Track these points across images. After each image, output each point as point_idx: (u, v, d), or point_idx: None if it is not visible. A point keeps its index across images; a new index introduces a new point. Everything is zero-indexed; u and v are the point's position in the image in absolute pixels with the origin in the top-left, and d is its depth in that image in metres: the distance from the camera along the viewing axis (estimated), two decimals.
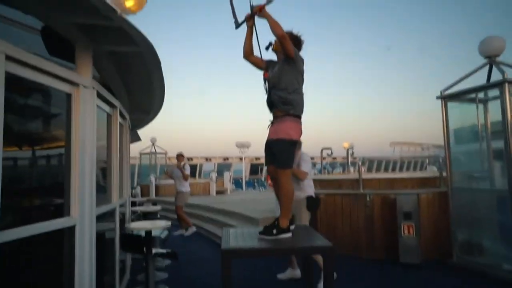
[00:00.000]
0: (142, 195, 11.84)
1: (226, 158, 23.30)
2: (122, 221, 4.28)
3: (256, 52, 3.07)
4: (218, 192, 13.24)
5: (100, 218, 3.07)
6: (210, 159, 22.44)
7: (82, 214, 2.55)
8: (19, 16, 2.54)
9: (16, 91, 2.19)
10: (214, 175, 13.73)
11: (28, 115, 2.57)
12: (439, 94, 4.90)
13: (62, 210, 2.52)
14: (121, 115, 4.00)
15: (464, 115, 4.92)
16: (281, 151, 2.91)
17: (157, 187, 12.53)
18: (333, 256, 2.82)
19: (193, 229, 7.55)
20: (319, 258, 3.51)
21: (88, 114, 2.65)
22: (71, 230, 2.51)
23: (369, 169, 20.74)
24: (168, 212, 9.30)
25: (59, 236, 2.50)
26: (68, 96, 2.52)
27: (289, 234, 2.93)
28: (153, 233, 3.92)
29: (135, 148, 16.24)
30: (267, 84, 2.98)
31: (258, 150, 20.37)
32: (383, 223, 4.97)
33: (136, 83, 4.08)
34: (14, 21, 2.84)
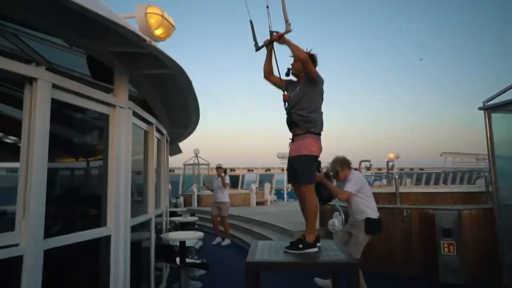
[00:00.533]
0: (185, 205, 12.27)
1: (268, 169, 23.38)
2: (160, 230, 4.51)
3: (275, 72, 3.18)
4: (258, 203, 13.33)
5: (137, 227, 3.29)
6: (252, 170, 22.64)
7: (117, 224, 2.76)
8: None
9: (61, 112, 2.46)
10: (254, 186, 13.86)
11: (72, 131, 2.86)
12: (481, 105, 4.65)
13: (100, 220, 2.76)
14: (158, 130, 4.26)
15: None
16: (304, 167, 2.98)
17: (199, 197, 12.90)
18: (357, 272, 2.80)
19: (228, 242, 7.71)
20: None
21: (124, 132, 2.88)
22: (107, 239, 2.73)
23: (418, 181, 19.71)
24: (207, 222, 9.53)
25: (97, 245, 2.72)
26: (106, 116, 2.77)
27: (315, 249, 2.95)
28: (187, 244, 4.11)
29: (179, 160, 16.90)
30: (287, 104, 3.07)
31: None
32: (422, 239, 4.76)
33: (172, 101, 4.33)
34: (63, 46, 3.20)
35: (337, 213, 5.58)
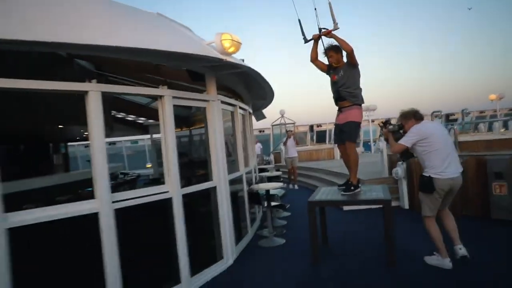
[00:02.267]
0: (275, 162, 13.83)
1: None
2: (251, 183, 5.94)
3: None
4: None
5: (233, 181, 4.70)
6: None
7: (219, 179, 4.18)
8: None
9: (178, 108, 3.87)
10: None
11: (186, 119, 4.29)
12: None
13: (208, 177, 4.20)
14: (242, 108, 5.56)
15: None
16: (351, 130, 4.00)
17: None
18: (390, 207, 3.77)
19: (296, 187, 10.19)
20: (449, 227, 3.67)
21: (216, 116, 4.21)
22: (214, 190, 4.17)
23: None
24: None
25: (209, 194, 4.18)
26: (204, 108, 4.12)
27: (358, 189, 4.03)
28: (272, 192, 5.45)
29: (267, 122, 18.47)
30: (335, 85, 4.01)
31: (385, 113, 20.12)
32: (478, 182, 5.27)
33: (249, 84, 5.55)
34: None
35: (400, 162, 6.32)
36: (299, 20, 4.11)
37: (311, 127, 21.84)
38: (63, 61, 3.73)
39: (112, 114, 9.64)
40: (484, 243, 4.24)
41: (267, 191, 5.19)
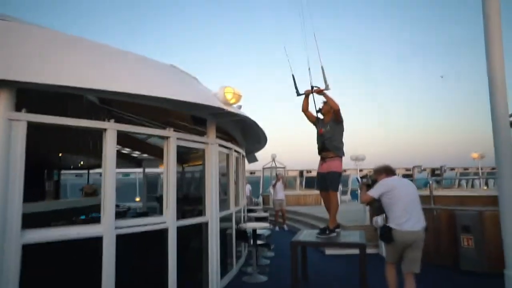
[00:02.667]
0: (263, 204, 14.13)
1: (344, 170, 24.05)
2: (239, 221, 6.27)
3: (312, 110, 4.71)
4: None
5: (223, 218, 5.05)
6: None
7: (211, 215, 4.55)
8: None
9: (180, 148, 4.32)
10: None
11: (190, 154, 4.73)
12: None
13: (201, 212, 4.57)
14: (236, 151, 6.04)
15: None
16: (334, 179, 4.46)
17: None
18: (364, 251, 4.15)
19: (286, 228, 10.60)
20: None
21: (213, 157, 4.66)
22: (206, 224, 4.53)
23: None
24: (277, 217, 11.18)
25: (201, 228, 4.52)
26: (203, 150, 4.59)
27: (334, 234, 4.41)
28: (258, 231, 5.79)
29: (258, 164, 18.94)
30: (322, 137, 4.53)
31: (373, 163, 20.85)
32: (449, 235, 5.70)
33: (245, 129, 6.08)
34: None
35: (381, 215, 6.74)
36: (292, 75, 4.72)
37: (301, 172, 22.34)
38: (81, 99, 4.25)
39: None
40: None
41: (254, 230, 5.53)
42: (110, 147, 3.35)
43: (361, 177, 4.50)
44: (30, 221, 5.23)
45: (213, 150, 4.65)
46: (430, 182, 6.38)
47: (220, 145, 4.97)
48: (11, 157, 2.78)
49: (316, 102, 4.72)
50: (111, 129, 3.37)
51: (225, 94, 4.12)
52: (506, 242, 2.74)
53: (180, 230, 3.99)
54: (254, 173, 19.15)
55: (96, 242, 3.21)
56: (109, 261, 3.23)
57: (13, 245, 2.73)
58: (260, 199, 14.33)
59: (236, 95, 4.20)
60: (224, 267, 5.09)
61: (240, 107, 4.90)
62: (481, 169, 21.06)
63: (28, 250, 2.81)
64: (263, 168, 17.79)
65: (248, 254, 6.68)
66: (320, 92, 4.49)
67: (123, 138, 8.98)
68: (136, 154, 12.97)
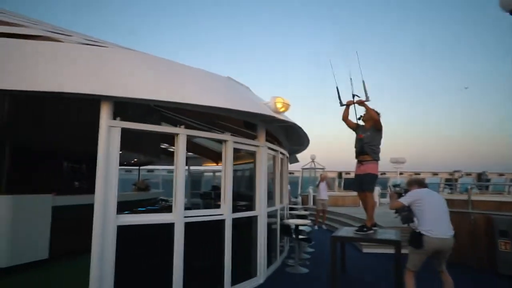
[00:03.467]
0: (302, 203, 14.56)
1: (383, 173, 23.92)
2: (283, 217, 6.81)
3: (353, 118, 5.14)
4: None
5: (270, 214, 5.62)
6: None
7: (260, 210, 5.13)
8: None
9: (237, 150, 4.93)
10: None
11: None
12: None
13: (251, 206, 5.17)
14: (281, 153, 6.59)
15: None
16: (369, 181, 4.88)
17: (314, 197, 15.01)
18: (399, 247, 4.54)
19: (325, 227, 10.91)
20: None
21: (263, 158, 5.24)
22: (256, 218, 5.12)
23: None
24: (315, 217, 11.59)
25: (251, 221, 5.12)
26: (254, 152, 5.18)
27: (371, 231, 4.83)
28: (300, 227, 6.30)
29: (298, 165, 19.38)
30: (361, 141, 4.95)
31: (413, 166, 20.64)
32: (486, 238, 5.89)
33: (290, 134, 6.62)
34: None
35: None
36: (337, 87, 5.17)
37: (340, 173, 22.49)
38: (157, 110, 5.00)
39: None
40: None
41: (297, 225, 6.06)
42: (181, 149, 4.03)
43: (393, 185, 4.83)
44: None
45: (263, 152, 5.23)
46: (469, 187, 6.55)
47: (269, 148, 5.54)
48: (110, 156, 3.52)
49: (357, 110, 5.16)
50: (182, 134, 4.05)
51: (276, 103, 4.68)
52: None
53: (234, 222, 4.61)
54: (293, 173, 19.62)
55: (169, 227, 3.90)
56: (179, 243, 3.91)
57: (111, 225, 3.46)
58: (299, 199, 14.76)
59: (286, 104, 4.76)
60: (269, 259, 5.65)
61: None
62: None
63: (121, 230, 3.54)
64: (302, 169, 18.22)
65: (290, 249, 7.22)
66: (361, 103, 4.92)
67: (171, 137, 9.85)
68: None
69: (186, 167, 15.41)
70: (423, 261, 3.88)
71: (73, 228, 6.15)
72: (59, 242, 5.85)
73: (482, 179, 21.76)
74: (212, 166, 16.76)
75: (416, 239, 3.83)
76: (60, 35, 3.98)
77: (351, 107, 5.12)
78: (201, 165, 16.18)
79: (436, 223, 3.81)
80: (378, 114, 4.89)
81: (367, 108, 4.86)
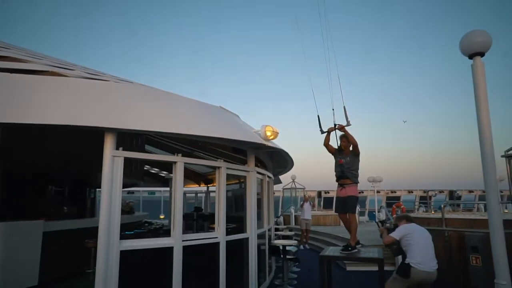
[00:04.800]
0: (284, 223, 14.81)
1: (361, 191, 24.57)
2: (270, 238, 7.07)
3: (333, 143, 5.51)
4: None
5: (259, 235, 5.87)
6: None
7: (251, 232, 5.39)
8: None
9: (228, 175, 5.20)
10: None
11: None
12: (503, 153, 6.16)
13: (242, 228, 5.41)
14: (268, 176, 6.91)
15: None
16: (352, 203, 5.25)
17: (295, 217, 15.32)
18: (382, 265, 4.88)
19: (307, 246, 11.16)
20: None
21: (253, 182, 5.53)
22: (247, 240, 5.36)
23: None
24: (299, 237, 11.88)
25: (242, 243, 5.35)
26: (245, 176, 5.48)
27: (355, 250, 5.16)
28: (287, 248, 6.57)
29: (279, 185, 19.75)
30: (341, 166, 5.34)
31: (388, 184, 21.42)
32: (459, 254, 6.36)
33: (276, 159, 6.97)
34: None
35: None
36: (318, 116, 5.55)
37: (319, 193, 22.99)
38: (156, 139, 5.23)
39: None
40: None
41: (284, 246, 6.33)
42: (179, 176, 4.28)
43: (381, 221, 5.16)
44: (84, 235, 6.18)
45: (253, 177, 5.53)
46: (442, 205, 7.05)
47: (258, 173, 5.85)
48: (114, 183, 3.73)
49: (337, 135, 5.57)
50: (179, 162, 4.30)
51: (266, 131, 5.03)
52: (495, 257, 3.46)
53: (227, 244, 4.84)
54: (274, 193, 19.92)
55: (168, 251, 4.10)
56: (177, 265, 4.10)
57: (114, 251, 3.64)
58: (281, 219, 15.00)
59: (275, 132, 5.11)
60: (259, 278, 5.87)
61: None
62: (501, 192, 21.27)
63: (123, 254, 3.72)
64: (283, 189, 18.54)
65: (277, 269, 7.44)
66: (342, 128, 5.32)
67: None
68: (164, 173, 14.05)
69: (167, 188, 15.45)
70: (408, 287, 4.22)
71: (62, 254, 6.19)
72: (49, 268, 5.86)
73: (453, 197, 22.77)
74: (194, 187, 16.85)
75: (404, 269, 4.15)
76: (64, 70, 4.21)
77: (332, 133, 5.51)
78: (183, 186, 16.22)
79: (424, 256, 4.12)
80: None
81: (347, 134, 5.25)
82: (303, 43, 5.52)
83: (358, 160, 5.32)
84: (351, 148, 5.35)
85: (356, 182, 5.28)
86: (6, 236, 5.29)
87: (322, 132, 5.47)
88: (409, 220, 4.71)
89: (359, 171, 5.34)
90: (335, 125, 5.40)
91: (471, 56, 3.68)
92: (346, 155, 5.36)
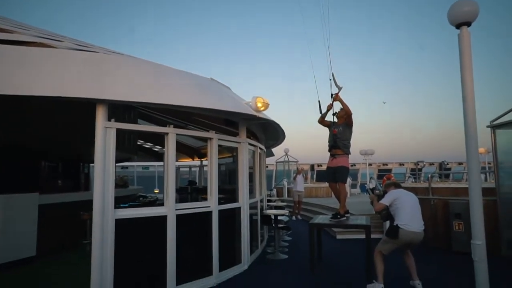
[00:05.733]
0: (277, 196, 15.10)
1: (353, 164, 24.93)
2: (262, 208, 7.26)
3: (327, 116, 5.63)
4: None
5: (251, 205, 6.04)
6: None
7: (243, 201, 5.54)
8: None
9: (220, 147, 5.29)
10: None
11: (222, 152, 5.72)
12: (488, 123, 6.29)
13: (235, 198, 5.56)
14: (260, 148, 7.01)
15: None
16: (342, 172, 5.39)
17: (288, 189, 15.62)
18: (369, 231, 5.09)
19: (300, 218, 11.47)
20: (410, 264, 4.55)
21: (245, 154, 5.63)
22: (239, 209, 5.51)
23: None
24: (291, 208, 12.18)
25: (235, 212, 5.51)
26: (236, 148, 5.56)
27: (344, 218, 5.36)
28: (279, 217, 6.77)
29: (271, 159, 19.94)
30: (334, 136, 5.45)
31: (380, 157, 21.72)
32: (443, 221, 6.62)
33: (268, 130, 7.04)
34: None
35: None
36: (319, 101, 5.65)
37: (312, 166, 23.29)
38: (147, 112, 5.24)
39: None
40: (445, 269, 5.52)
41: (276, 215, 6.52)
42: (171, 147, 4.35)
43: (371, 189, 5.26)
44: (80, 208, 6.29)
45: (244, 148, 5.63)
46: (429, 175, 7.25)
47: (250, 144, 5.94)
48: (107, 155, 3.80)
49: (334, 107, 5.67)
50: (171, 133, 4.36)
51: (256, 103, 5.08)
52: (472, 220, 3.62)
53: (220, 213, 4.98)
54: (267, 166, 20.15)
55: (162, 219, 4.23)
56: (171, 233, 4.25)
57: (109, 219, 3.76)
58: (274, 191, 15.29)
59: (265, 103, 5.16)
60: (251, 247, 6.08)
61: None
62: (489, 163, 21.77)
63: (118, 223, 3.84)
64: (276, 162, 18.76)
65: (269, 238, 7.69)
66: (336, 98, 5.39)
67: (148, 135, 10.00)
68: (157, 148, 14.11)
69: (161, 163, 15.58)
70: (393, 250, 4.44)
71: (58, 225, 6.33)
72: (45, 239, 6.01)
73: (442, 169, 23.26)
74: (187, 161, 16.96)
75: (393, 230, 4.36)
76: (52, 41, 4.16)
77: (329, 112, 5.60)
78: (176, 161, 16.37)
79: (411, 218, 4.34)
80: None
81: (342, 103, 5.33)
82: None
83: (351, 132, 5.44)
84: (345, 119, 5.46)
85: (347, 153, 5.42)
86: (3, 208, 5.40)
87: (322, 113, 5.58)
88: (397, 186, 4.86)
89: (350, 142, 5.47)
90: (331, 95, 5.47)
91: (458, 26, 3.71)
92: (339, 124, 5.47)
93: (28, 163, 8.44)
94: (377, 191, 5.02)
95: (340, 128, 5.45)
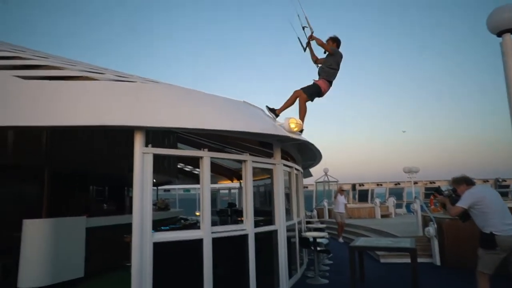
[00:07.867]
0: (318, 217, 14.75)
1: (397, 183, 23.89)
2: (301, 231, 7.11)
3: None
4: (383, 216, 14.75)
5: (288, 227, 5.93)
6: (381, 184, 23.56)
7: (279, 224, 5.46)
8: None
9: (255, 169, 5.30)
10: (378, 200, 15.39)
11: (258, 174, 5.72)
12: None
13: (271, 221, 5.50)
14: (296, 169, 6.94)
15: None
16: (310, 86, 5.69)
17: (329, 210, 15.20)
18: (415, 254, 4.79)
19: (341, 240, 10.83)
20: None
21: (280, 175, 5.59)
22: (276, 232, 5.43)
23: None
24: (333, 230, 11.82)
25: (271, 235, 5.43)
26: (271, 169, 5.55)
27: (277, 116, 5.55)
28: (318, 240, 6.58)
29: (311, 179, 19.65)
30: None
31: (430, 174, 20.61)
32: None
33: (304, 151, 6.98)
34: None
35: (431, 222, 7.22)
36: (298, 38, 6.01)
37: (354, 186, 22.60)
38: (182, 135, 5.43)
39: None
40: None
41: (315, 238, 6.34)
42: (206, 170, 4.43)
43: (437, 191, 4.47)
44: (123, 230, 6.51)
45: (279, 169, 5.59)
46: None
47: (285, 165, 5.91)
48: (144, 179, 3.94)
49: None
50: (206, 157, 4.45)
51: (289, 124, 5.07)
52: None
53: (256, 236, 4.94)
54: (307, 187, 19.85)
55: (198, 243, 4.26)
56: (208, 257, 4.26)
57: (148, 242, 3.85)
58: (315, 212, 14.95)
59: (298, 124, 5.14)
60: (290, 271, 5.92)
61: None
62: None
63: (156, 246, 3.92)
64: (316, 182, 18.43)
65: (309, 261, 7.47)
66: (311, 37, 5.83)
67: (188, 158, 10.26)
68: (197, 171, 14.45)
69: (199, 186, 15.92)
70: (498, 263, 3.71)
71: (103, 248, 6.59)
72: (92, 261, 6.26)
73: (497, 186, 21.57)
74: (227, 183, 17.17)
75: (489, 239, 3.66)
76: (95, 74, 4.47)
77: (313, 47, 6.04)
78: (216, 183, 16.63)
79: (504, 221, 3.69)
80: (335, 40, 5.82)
81: (316, 40, 5.78)
82: None
83: (333, 59, 5.73)
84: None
85: (324, 78, 5.73)
86: (56, 231, 5.72)
87: (304, 49, 6.04)
88: (470, 182, 4.11)
89: (334, 69, 5.73)
90: (307, 37, 5.94)
91: (499, 34, 3.52)
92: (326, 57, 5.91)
93: (78, 187, 8.95)
94: (446, 192, 4.29)
95: (325, 58, 5.86)
